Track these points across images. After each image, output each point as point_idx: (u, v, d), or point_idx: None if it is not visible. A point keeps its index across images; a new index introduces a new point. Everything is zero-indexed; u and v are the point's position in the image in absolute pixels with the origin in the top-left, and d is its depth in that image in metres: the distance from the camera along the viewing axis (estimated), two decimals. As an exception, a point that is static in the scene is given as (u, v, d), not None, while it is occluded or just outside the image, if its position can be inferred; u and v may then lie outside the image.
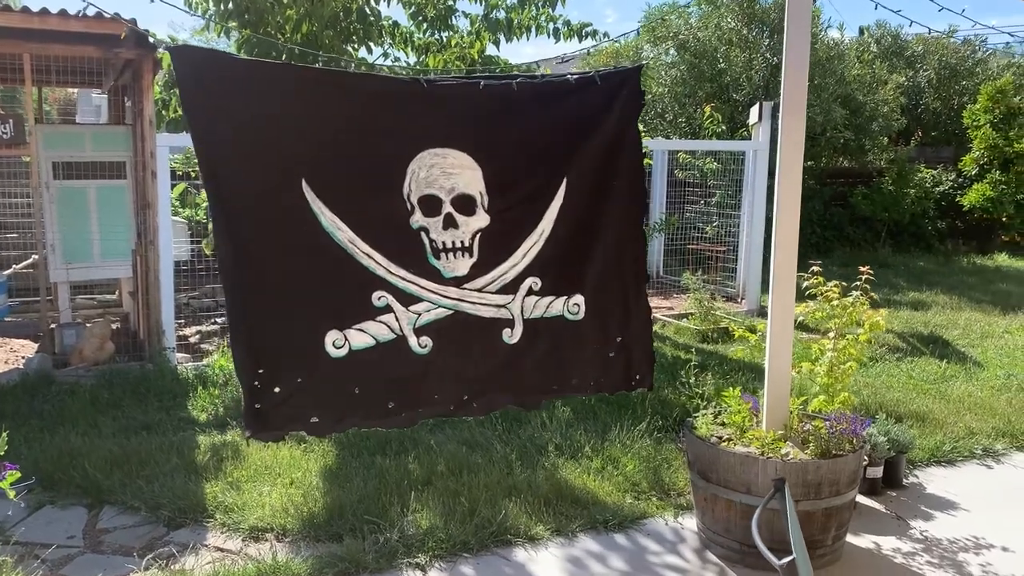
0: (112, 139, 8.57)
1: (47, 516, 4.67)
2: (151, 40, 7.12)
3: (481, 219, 3.66)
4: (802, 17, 3.99)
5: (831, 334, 4.96)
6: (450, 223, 3.59)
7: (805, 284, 4.77)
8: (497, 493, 4.73)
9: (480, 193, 3.65)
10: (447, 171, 3.56)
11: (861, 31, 21.55)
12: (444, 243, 3.59)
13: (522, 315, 3.77)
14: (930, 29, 4.25)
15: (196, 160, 3.18)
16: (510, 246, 3.72)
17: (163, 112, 8.27)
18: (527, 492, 4.75)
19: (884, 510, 4.82)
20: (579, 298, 3.90)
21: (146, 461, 5.20)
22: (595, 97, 3.79)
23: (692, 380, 6.54)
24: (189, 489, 4.82)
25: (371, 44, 8.32)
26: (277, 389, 3.41)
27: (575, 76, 3.75)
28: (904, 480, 5.15)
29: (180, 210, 10.38)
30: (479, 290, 3.68)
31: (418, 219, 3.57)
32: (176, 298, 8.25)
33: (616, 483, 4.99)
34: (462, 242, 3.62)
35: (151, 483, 4.89)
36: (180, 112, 8.00)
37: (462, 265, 3.64)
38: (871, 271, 4.89)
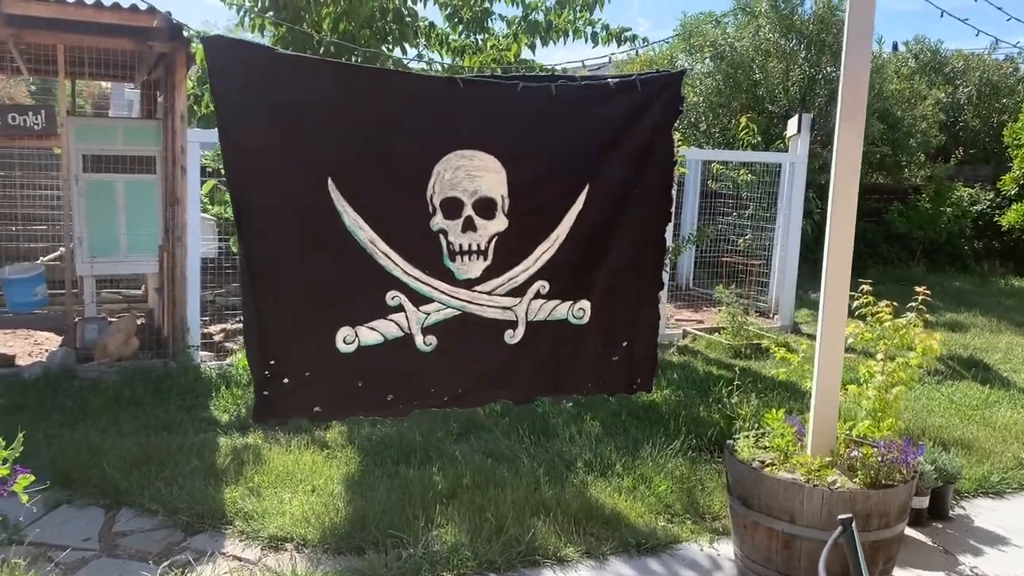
0: (143, 133, 8.50)
1: (63, 516, 4.55)
2: (185, 33, 7.04)
3: (500, 222, 3.60)
4: (864, 18, 3.80)
5: (879, 356, 4.75)
6: (469, 226, 3.54)
7: (855, 303, 4.57)
8: (525, 510, 4.55)
9: (502, 196, 3.59)
10: (472, 173, 3.49)
11: (895, 46, 21.23)
12: (461, 245, 3.54)
13: (526, 317, 3.73)
14: (996, 39, 4.01)
15: (222, 153, 3.09)
16: (525, 250, 3.67)
17: (195, 107, 8.20)
18: (556, 510, 4.57)
19: (931, 543, 4.59)
20: (585, 303, 3.84)
21: (166, 462, 5.08)
22: (632, 102, 3.68)
23: (731, 399, 6.36)
24: (208, 493, 4.69)
25: (406, 45, 8.21)
26: (286, 380, 3.42)
27: (615, 80, 3.62)
28: (951, 511, 4.92)
29: (209, 207, 10.31)
30: (489, 292, 3.64)
31: (439, 221, 3.51)
32: (202, 295, 8.16)
33: (648, 504, 4.80)
34: (479, 245, 3.57)
35: (170, 485, 4.76)
36: (212, 108, 7.93)
37: (476, 268, 3.60)
38: (927, 291, 4.68)
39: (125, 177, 8.33)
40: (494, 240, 3.58)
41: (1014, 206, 15.75)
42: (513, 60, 8.31)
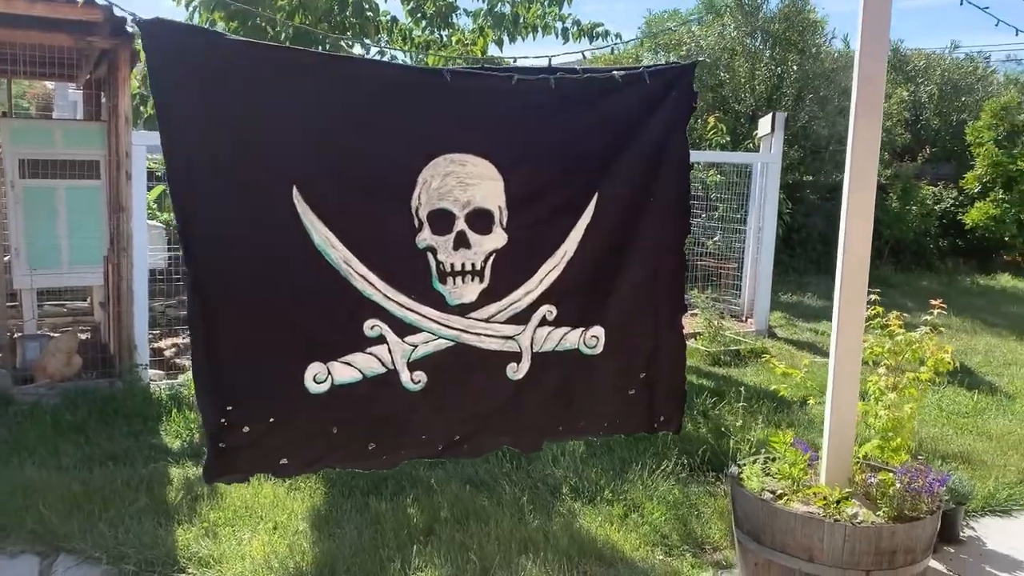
0: (86, 136, 7.94)
1: (-8, 567, 4.06)
2: (129, 28, 6.52)
3: (497, 238, 3.14)
4: (881, 7, 3.46)
5: (881, 370, 4.44)
6: (462, 242, 3.07)
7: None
8: (511, 548, 4.15)
9: (499, 208, 3.13)
10: (464, 181, 3.02)
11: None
12: (453, 265, 3.07)
13: (531, 348, 3.26)
14: (1017, 30, 3.75)
15: (164, 157, 2.61)
16: (527, 269, 3.20)
17: (141, 108, 7.69)
18: (545, 546, 4.18)
19: (946, 571, 4.29)
20: (598, 330, 3.38)
21: (110, 500, 4.59)
22: (641, 98, 3.26)
23: (716, 412, 6.03)
24: (159, 536, 4.22)
25: (367, 40, 7.78)
26: (246, 428, 2.91)
27: (621, 72, 3.21)
28: (961, 534, 4.63)
29: (157, 214, 9.77)
30: (486, 320, 3.16)
31: (426, 237, 3.03)
32: (151, 306, 7.63)
33: (643, 535, 4.43)
34: (473, 265, 3.10)
35: (115, 527, 4.28)
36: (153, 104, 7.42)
37: (470, 291, 3.12)
38: (943, 304, 4.38)
39: (67, 183, 7.77)
40: (491, 258, 3.12)
41: (977, 204, 15.79)
42: (480, 56, 7.91)
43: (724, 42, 15.30)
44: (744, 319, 10.69)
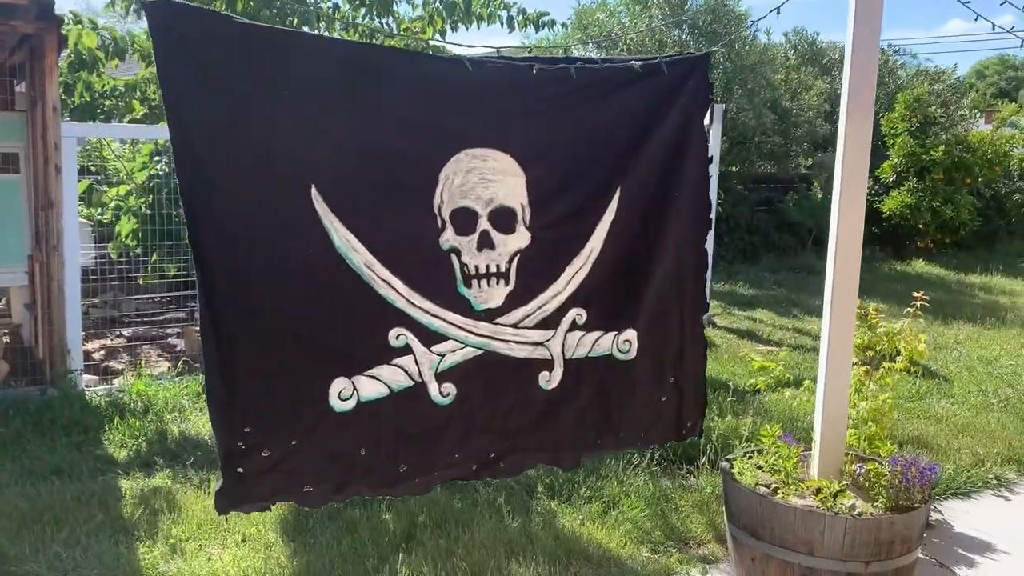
0: (3, 127, 7.43)
1: (-64, 597, 3.74)
2: (56, 12, 6.11)
3: (521, 237, 2.99)
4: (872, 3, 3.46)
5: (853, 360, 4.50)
6: (485, 242, 2.91)
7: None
8: (498, 552, 4.04)
9: (522, 205, 2.97)
10: (486, 178, 2.86)
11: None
12: (477, 267, 2.91)
13: (563, 354, 3.11)
14: (994, 25, 3.83)
15: (173, 153, 2.37)
16: (554, 270, 3.05)
17: (67, 98, 7.25)
18: (532, 549, 4.08)
19: (921, 555, 4.36)
20: (631, 333, 3.26)
21: (62, 518, 4.29)
22: (660, 88, 3.16)
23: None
24: (120, 555, 3.96)
25: (308, 28, 7.51)
26: (266, 452, 2.69)
27: (640, 63, 3.10)
28: (930, 518, 4.73)
29: (82, 209, 9.26)
30: (514, 325, 3.00)
31: (449, 238, 2.86)
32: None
33: (625, 532, 4.38)
34: (498, 266, 2.94)
35: (71, 547, 4.01)
36: (88, 98, 7.01)
37: (496, 294, 2.96)
38: (925, 296, 4.44)
39: (-16, 178, 7.26)
40: (516, 259, 2.97)
41: (893, 193, 16.35)
42: (427, 44, 7.73)
43: (653, 34, 15.40)
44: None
